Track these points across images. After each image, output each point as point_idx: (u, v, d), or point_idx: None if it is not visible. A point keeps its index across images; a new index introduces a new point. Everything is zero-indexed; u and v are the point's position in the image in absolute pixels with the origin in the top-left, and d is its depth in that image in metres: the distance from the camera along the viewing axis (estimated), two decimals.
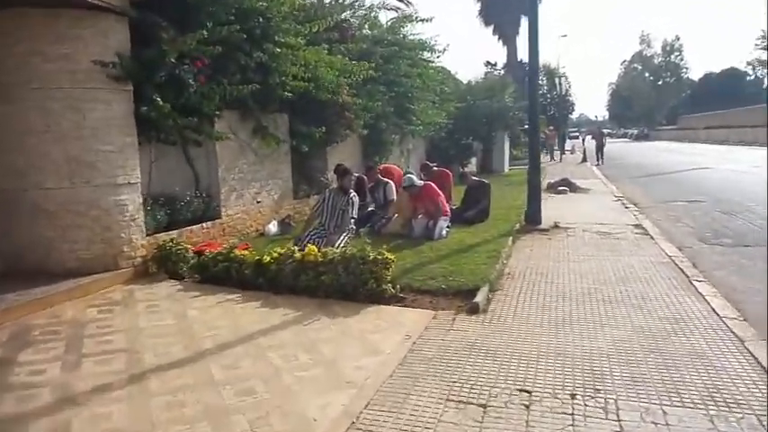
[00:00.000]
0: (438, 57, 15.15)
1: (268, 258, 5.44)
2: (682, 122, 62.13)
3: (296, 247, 5.53)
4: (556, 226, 8.46)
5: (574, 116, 58.44)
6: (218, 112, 6.80)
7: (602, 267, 5.98)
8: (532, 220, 8.48)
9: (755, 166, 19.70)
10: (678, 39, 76.11)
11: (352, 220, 7.04)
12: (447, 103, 18.31)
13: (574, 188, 13.56)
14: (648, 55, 76.77)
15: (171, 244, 5.87)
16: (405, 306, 4.89)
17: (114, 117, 5.48)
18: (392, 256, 5.12)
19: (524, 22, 35.84)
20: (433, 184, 7.73)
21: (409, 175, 7.88)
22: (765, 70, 63.58)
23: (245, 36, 6.67)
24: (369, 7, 12.74)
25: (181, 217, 6.55)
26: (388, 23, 13.37)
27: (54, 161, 5.35)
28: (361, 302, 4.94)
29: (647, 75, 76.92)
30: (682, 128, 60.00)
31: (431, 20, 13.44)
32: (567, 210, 10.43)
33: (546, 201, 11.72)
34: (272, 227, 8.30)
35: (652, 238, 7.53)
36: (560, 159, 29.25)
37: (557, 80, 33.28)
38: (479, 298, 4.77)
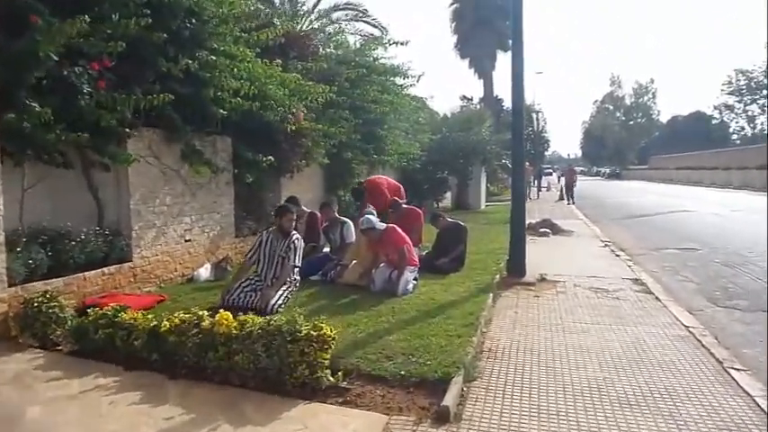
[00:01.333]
0: (412, 84, 14.16)
1: (167, 325, 3.99)
2: (653, 162, 62.76)
3: (206, 312, 4.08)
4: (542, 279, 7.19)
5: (547, 153, 58.55)
6: (128, 129, 5.39)
7: (606, 342, 4.69)
8: (516, 270, 7.21)
9: (735, 210, 19.04)
10: (653, 81, 77.89)
11: (296, 270, 5.65)
12: (422, 133, 17.27)
13: (556, 230, 12.42)
14: (620, 96, 78.41)
15: (40, 299, 4.38)
16: (346, 403, 3.49)
17: None
18: (333, 332, 3.73)
19: (500, 56, 35.68)
20: (397, 228, 6.39)
21: (368, 216, 6.54)
22: (731, 114, 65.28)
23: (164, 35, 5.35)
24: (337, 27, 11.64)
25: (71, 260, 5.06)
26: (356, 44, 12.24)
27: None
28: (287, 397, 3.54)
29: (618, 114, 78.42)
30: (653, 167, 60.54)
31: (406, 44, 12.42)
32: (552, 257, 9.21)
33: (528, 244, 10.56)
34: (204, 271, 6.84)
35: (657, 298, 6.30)
36: (537, 197, 28.44)
37: (533, 116, 32.76)
38: (450, 397, 3.39)
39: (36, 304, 4.32)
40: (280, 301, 5.30)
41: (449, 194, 22.78)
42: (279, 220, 5.62)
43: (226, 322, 3.84)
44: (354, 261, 6.76)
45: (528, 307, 5.89)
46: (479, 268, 7.69)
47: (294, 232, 5.67)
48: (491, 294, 6.18)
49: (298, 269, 5.63)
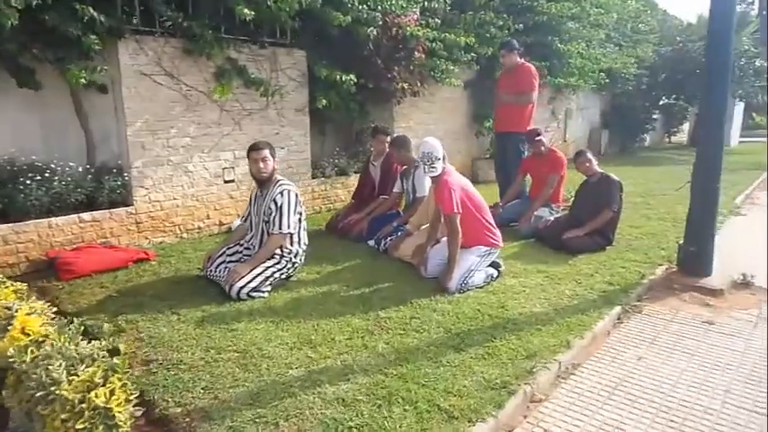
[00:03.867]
0: None
1: None
2: None
3: (17, 304, 2.63)
4: (744, 283, 4.12)
5: None
6: (93, 36, 4.08)
7: None
8: (693, 264, 4.23)
9: None
10: None
11: (291, 239, 3.87)
12: (643, 44, 13.16)
13: None
14: None
15: None
16: None
17: None
18: (114, 402, 1.93)
19: None
20: (451, 177, 3.86)
21: (427, 142, 3.98)
22: None
23: None
24: None
25: (28, 202, 4.13)
26: None
27: None
28: None
29: None
30: None
31: None
32: None
33: (749, 213, 6.94)
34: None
35: None
36: None
37: None
38: None
39: None
40: (253, 284, 3.63)
41: (686, 127, 17.84)
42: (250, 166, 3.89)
43: (13, 335, 2.35)
44: (424, 226, 4.67)
45: (674, 347, 3.16)
46: (639, 250, 4.88)
47: (283, 182, 3.86)
48: (618, 309, 3.58)
49: (289, 235, 3.84)
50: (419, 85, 7.07)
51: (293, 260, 3.90)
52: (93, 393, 1.89)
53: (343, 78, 5.83)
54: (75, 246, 4.35)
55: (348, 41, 6.01)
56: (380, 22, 5.88)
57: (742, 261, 4.42)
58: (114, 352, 2.45)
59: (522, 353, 2.88)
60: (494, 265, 4.07)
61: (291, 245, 3.88)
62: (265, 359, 2.81)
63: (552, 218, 5.29)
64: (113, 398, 1.92)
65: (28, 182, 4.10)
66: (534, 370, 2.71)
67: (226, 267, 3.88)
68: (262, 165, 3.79)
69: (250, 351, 2.89)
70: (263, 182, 3.86)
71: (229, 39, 5.11)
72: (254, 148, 3.84)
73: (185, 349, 2.93)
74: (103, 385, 1.94)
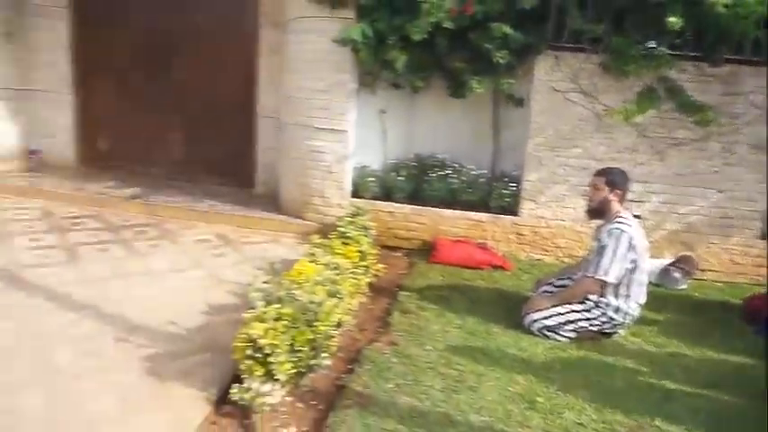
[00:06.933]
0: None
1: None
2: None
3: None
4: None
5: None
6: (504, 52, 4.30)
7: None
8: None
9: None
10: None
11: (612, 289, 3.12)
12: None
13: None
14: None
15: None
16: None
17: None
18: None
19: None
20: None
21: None
22: None
23: None
24: None
25: (429, 192, 4.91)
26: None
27: None
28: None
29: None
30: None
31: None
32: None
33: None
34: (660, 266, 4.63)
35: None
36: None
37: None
38: None
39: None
40: (548, 322, 3.18)
41: None
42: None
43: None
44: None
45: None
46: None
47: (622, 219, 3.17)
48: None
49: (615, 288, 3.10)
50: None
51: (611, 315, 3.17)
52: None
53: None
54: (456, 238, 4.83)
55: None
56: None
57: None
58: None
59: None
60: None
61: (616, 298, 3.16)
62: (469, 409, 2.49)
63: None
64: None
65: (433, 175, 4.86)
66: None
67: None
68: (590, 192, 3.25)
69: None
70: (592, 213, 3.30)
71: (663, 55, 4.40)
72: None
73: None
74: None
